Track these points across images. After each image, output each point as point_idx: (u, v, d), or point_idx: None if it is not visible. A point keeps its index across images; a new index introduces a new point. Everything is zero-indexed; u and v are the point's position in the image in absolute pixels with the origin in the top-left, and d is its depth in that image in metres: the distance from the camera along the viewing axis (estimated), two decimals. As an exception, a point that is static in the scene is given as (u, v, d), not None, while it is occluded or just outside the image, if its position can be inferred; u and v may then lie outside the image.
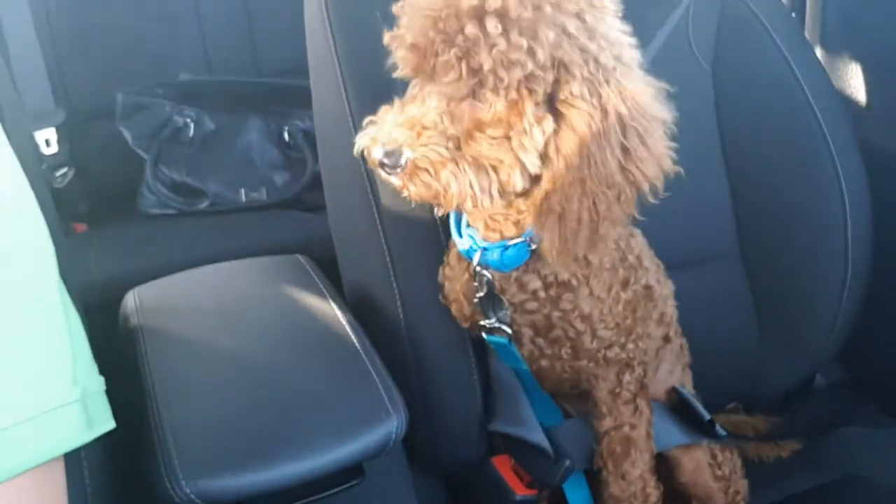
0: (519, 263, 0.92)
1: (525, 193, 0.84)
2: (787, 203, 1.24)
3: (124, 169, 1.78)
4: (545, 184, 0.80)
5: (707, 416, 1.08)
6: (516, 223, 0.90)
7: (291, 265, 1.11)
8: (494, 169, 0.79)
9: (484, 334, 0.99)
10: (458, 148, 0.78)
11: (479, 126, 0.78)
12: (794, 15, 1.50)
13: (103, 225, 1.79)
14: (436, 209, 0.87)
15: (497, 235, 0.91)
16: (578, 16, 0.76)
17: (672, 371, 1.15)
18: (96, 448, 0.74)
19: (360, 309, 1.07)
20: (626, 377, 1.00)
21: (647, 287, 1.04)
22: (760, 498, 1.14)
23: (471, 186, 0.78)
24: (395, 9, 0.80)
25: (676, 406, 1.11)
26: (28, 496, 0.66)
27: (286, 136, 1.83)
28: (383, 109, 0.82)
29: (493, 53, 0.73)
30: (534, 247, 0.90)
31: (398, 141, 0.77)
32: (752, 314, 1.29)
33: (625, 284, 0.99)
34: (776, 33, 1.25)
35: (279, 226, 1.72)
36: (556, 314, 0.95)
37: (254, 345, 0.93)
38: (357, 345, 0.93)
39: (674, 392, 1.12)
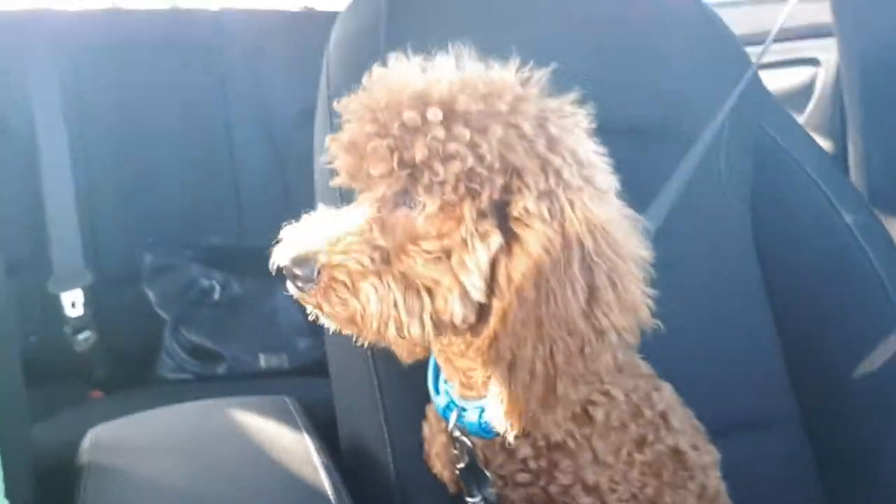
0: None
1: (471, 329, 0.70)
2: (847, 355, 1.08)
3: (147, 334, 1.74)
4: (494, 320, 0.67)
5: None
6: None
7: (275, 406, 1.00)
8: (428, 291, 0.66)
9: None
10: (387, 262, 0.66)
11: (413, 238, 0.66)
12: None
13: (119, 391, 1.71)
14: (358, 339, 0.72)
15: (473, 393, 0.77)
16: (539, 120, 0.67)
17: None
18: None
19: (353, 460, 0.94)
20: None
21: (676, 451, 0.86)
22: None
23: (395, 307, 0.65)
24: (335, 105, 0.71)
25: None
26: None
27: (315, 302, 1.78)
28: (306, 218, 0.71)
29: (428, 142, 0.63)
30: None
31: (313, 248, 0.66)
32: (818, 486, 1.09)
33: (640, 444, 0.81)
34: (814, 171, 1.18)
35: (296, 391, 1.61)
36: (553, 488, 0.78)
37: (208, 485, 0.81)
38: (328, 489, 0.79)
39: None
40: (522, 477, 0.78)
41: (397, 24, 1.01)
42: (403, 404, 0.86)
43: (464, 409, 0.77)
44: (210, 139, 1.95)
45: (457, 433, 0.78)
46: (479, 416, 0.75)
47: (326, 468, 0.84)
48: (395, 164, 0.64)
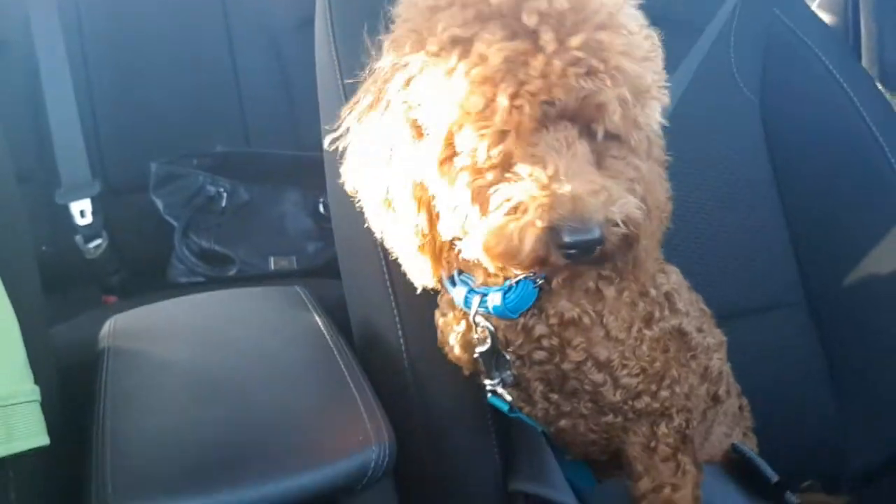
0: (526, 307, 0.77)
1: None
2: (854, 238, 1.08)
3: (156, 240, 1.74)
4: None
5: (775, 477, 0.90)
6: None
7: (288, 295, 1.01)
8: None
9: (487, 394, 0.85)
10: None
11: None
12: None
13: (133, 296, 1.74)
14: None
15: (498, 280, 0.77)
16: None
17: (730, 434, 0.98)
18: (30, 464, 0.64)
19: (366, 351, 0.95)
20: (663, 428, 0.84)
21: (681, 331, 0.88)
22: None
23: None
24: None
25: (737, 467, 0.93)
26: None
27: (321, 208, 1.79)
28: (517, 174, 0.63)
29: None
30: (540, 282, 0.76)
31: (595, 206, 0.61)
32: (825, 372, 1.11)
33: (648, 321, 0.83)
34: (826, 57, 1.15)
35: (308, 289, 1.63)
36: (567, 365, 0.79)
37: (227, 367, 0.83)
38: (344, 370, 0.80)
39: (733, 451, 0.94)
40: (539, 355, 0.79)
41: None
42: (415, 297, 0.86)
43: (485, 294, 0.77)
44: (212, 47, 1.90)
45: (479, 318, 0.78)
46: (504, 298, 0.76)
47: (338, 347, 0.85)
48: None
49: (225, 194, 1.74)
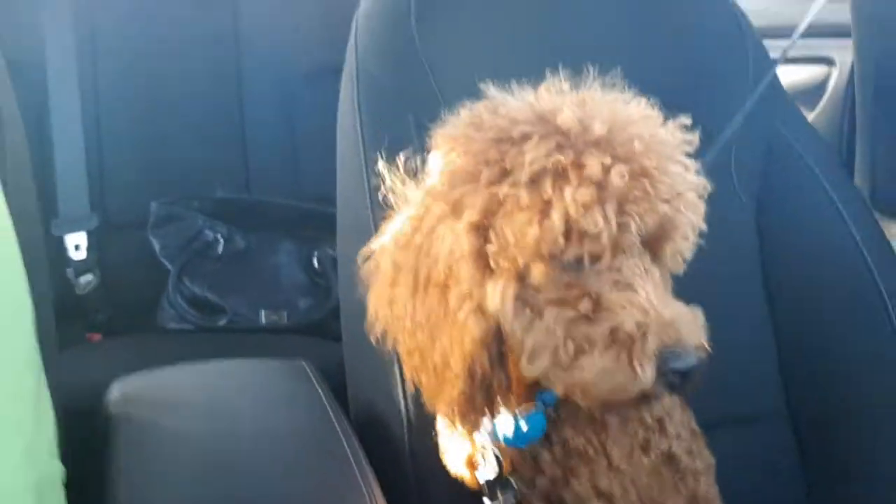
0: (537, 436, 0.79)
1: None
2: (841, 359, 1.12)
3: (148, 281, 1.75)
4: None
5: None
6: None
7: (293, 370, 1.03)
8: None
9: None
10: None
11: None
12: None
13: (118, 336, 1.73)
14: None
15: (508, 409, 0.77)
16: None
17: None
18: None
19: (364, 425, 0.97)
20: None
21: (670, 455, 0.88)
22: None
23: None
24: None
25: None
26: None
27: (315, 262, 1.81)
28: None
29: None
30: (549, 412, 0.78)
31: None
32: (800, 486, 1.14)
33: (645, 448, 0.84)
34: (822, 174, 1.19)
35: (297, 350, 1.64)
36: (567, 495, 0.80)
37: (234, 442, 0.84)
38: (348, 452, 0.82)
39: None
40: (542, 481, 0.81)
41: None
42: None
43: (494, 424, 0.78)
44: (222, 90, 1.93)
45: (488, 446, 0.79)
46: (516, 428, 0.77)
47: (342, 429, 0.87)
48: None
49: (222, 240, 1.76)
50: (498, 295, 0.67)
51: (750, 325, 1.17)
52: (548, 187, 0.63)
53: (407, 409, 0.93)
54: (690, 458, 0.91)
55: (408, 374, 0.76)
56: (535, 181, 0.64)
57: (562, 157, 0.64)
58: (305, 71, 1.97)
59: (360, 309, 0.88)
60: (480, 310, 0.68)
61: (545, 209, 0.63)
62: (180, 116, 1.87)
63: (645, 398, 0.64)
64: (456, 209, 0.68)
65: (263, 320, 1.71)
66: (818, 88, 1.76)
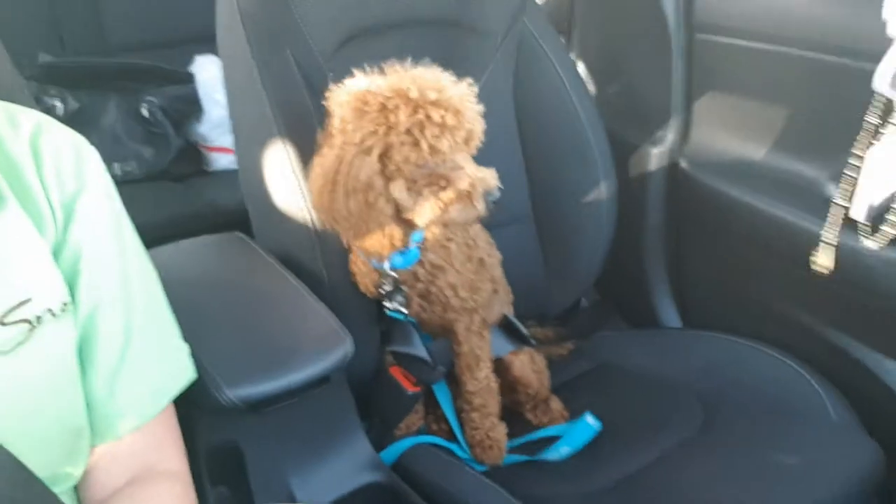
0: (414, 261, 1.38)
1: None
2: (566, 180, 1.79)
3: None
4: None
5: (525, 331, 1.62)
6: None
7: (239, 240, 1.46)
8: None
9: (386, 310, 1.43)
10: None
11: None
12: (562, 39, 2.06)
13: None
14: None
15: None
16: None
17: (502, 307, 1.67)
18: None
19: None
20: (475, 318, 1.48)
21: (480, 260, 1.52)
22: (554, 381, 1.71)
23: None
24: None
25: (506, 327, 1.63)
26: (169, 422, 1.00)
27: (145, 112, 2.03)
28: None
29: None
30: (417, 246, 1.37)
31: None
32: (541, 261, 1.85)
33: (469, 258, 1.46)
34: (555, 57, 1.79)
35: (155, 198, 1.94)
36: (433, 288, 1.41)
37: (237, 302, 1.29)
38: (308, 297, 1.32)
39: (504, 318, 1.64)
40: (419, 286, 1.41)
41: None
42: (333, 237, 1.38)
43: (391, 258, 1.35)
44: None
45: (388, 272, 1.37)
46: (404, 257, 1.35)
47: (293, 279, 1.35)
48: None
49: (60, 104, 1.92)
50: (398, 189, 1.23)
51: (514, 169, 1.80)
52: (416, 132, 1.18)
53: (322, 254, 1.43)
54: (491, 258, 1.55)
55: (344, 239, 1.32)
56: (408, 131, 1.18)
57: (420, 115, 1.17)
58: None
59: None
60: (386, 199, 1.23)
61: (416, 143, 1.18)
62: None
63: (479, 219, 1.26)
64: (365, 149, 1.20)
65: (119, 172, 1.94)
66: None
